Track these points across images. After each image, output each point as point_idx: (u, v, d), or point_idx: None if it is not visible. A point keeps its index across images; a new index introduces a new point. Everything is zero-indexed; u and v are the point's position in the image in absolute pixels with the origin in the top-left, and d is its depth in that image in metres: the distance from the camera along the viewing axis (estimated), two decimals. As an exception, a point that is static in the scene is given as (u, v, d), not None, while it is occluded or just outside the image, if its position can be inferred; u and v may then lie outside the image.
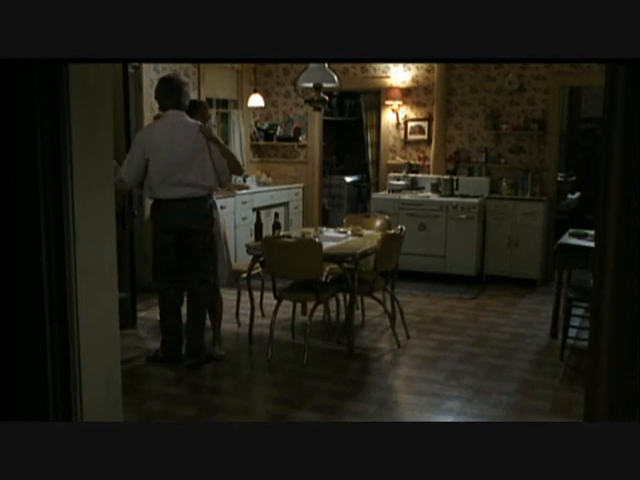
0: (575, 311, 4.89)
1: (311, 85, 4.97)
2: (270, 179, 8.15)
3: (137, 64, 6.14)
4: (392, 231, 5.00)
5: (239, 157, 8.00)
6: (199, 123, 4.30)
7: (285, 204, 7.89)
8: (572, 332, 4.81)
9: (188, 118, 4.29)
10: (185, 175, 4.18)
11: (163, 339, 4.54)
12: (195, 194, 4.23)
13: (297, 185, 8.21)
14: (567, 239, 5.22)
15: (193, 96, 7.00)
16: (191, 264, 4.39)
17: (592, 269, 2.03)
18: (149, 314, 5.67)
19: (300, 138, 8.21)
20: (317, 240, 4.60)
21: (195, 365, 4.41)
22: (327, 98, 5.09)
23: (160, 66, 6.51)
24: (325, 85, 4.98)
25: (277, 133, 8.30)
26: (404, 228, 5.06)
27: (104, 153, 2.46)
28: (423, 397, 3.99)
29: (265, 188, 7.70)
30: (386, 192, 7.53)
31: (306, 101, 5.14)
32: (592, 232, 5.28)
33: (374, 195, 7.59)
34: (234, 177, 7.52)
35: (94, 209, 2.33)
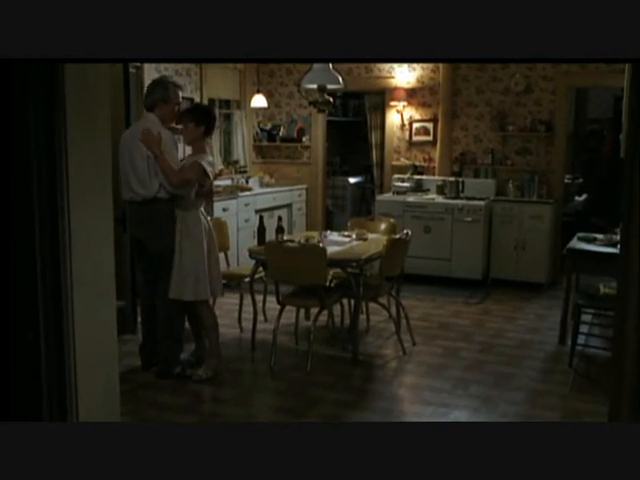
0: (583, 317, 4.79)
1: (315, 87, 4.88)
2: (273, 180, 8.06)
3: (138, 64, 6.04)
4: (398, 235, 4.89)
5: (245, 157, 7.91)
6: (146, 128, 4.09)
7: (288, 206, 7.79)
8: (580, 339, 4.71)
9: (147, 120, 4.20)
10: (127, 178, 4.16)
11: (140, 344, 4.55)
12: (134, 198, 4.16)
13: (300, 186, 8.11)
14: (576, 243, 5.12)
15: (196, 97, 6.96)
16: (156, 274, 4.29)
17: (617, 276, 1.97)
18: (150, 318, 5.58)
19: (303, 139, 8.12)
20: (321, 245, 4.50)
21: (161, 375, 4.27)
22: (331, 100, 5.00)
23: (162, 66, 6.42)
24: (329, 86, 4.89)
25: (280, 134, 8.21)
26: (410, 232, 4.96)
27: (101, 157, 2.37)
28: (429, 407, 3.90)
29: (268, 189, 7.61)
30: (391, 194, 7.43)
31: (310, 103, 5.05)
32: (601, 236, 5.20)
33: (378, 197, 7.49)
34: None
35: (91, 217, 2.24)
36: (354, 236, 5.16)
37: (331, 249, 4.62)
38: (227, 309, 5.66)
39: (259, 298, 5.15)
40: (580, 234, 5.36)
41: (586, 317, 4.99)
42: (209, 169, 4.16)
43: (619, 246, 4.74)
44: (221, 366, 4.35)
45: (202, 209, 4.27)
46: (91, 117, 2.30)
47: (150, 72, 6.27)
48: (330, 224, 8.75)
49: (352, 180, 9.69)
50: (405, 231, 4.98)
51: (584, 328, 4.92)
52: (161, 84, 4.27)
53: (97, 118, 2.35)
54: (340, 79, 4.87)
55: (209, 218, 4.39)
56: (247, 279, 4.98)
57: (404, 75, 7.53)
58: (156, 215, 4.16)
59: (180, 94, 4.34)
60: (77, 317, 2.17)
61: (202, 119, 4.20)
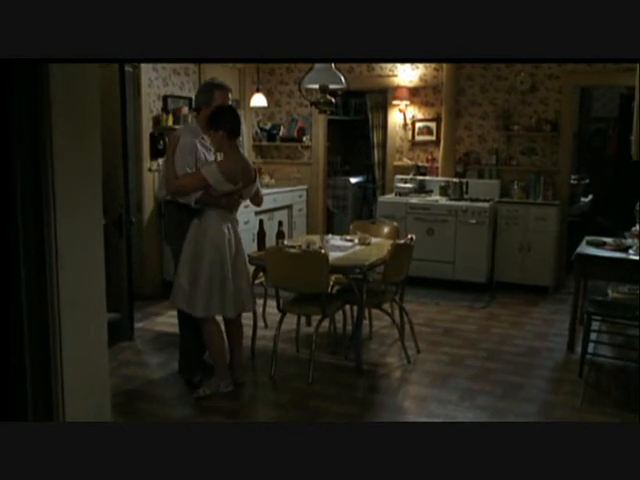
0: (593, 325, 4.65)
1: (317, 87, 4.73)
2: (273, 181, 7.91)
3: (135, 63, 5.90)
4: (402, 241, 4.74)
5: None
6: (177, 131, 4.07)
7: (289, 207, 7.65)
8: (589, 347, 4.57)
9: (185, 123, 4.20)
10: None
11: None
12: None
13: (301, 187, 7.97)
14: (585, 248, 4.98)
15: (194, 96, 6.81)
16: None
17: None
18: (148, 324, 5.44)
19: (304, 138, 7.97)
20: (323, 251, 4.34)
21: (186, 383, 4.24)
22: (333, 100, 4.85)
23: (159, 65, 6.27)
24: (332, 86, 4.74)
25: (280, 133, 8.06)
26: (414, 237, 4.81)
27: (91, 165, 2.22)
28: (436, 419, 3.75)
29: (268, 191, 7.45)
30: (393, 195, 7.29)
31: (312, 103, 4.91)
32: (610, 240, 5.06)
33: (380, 198, 7.35)
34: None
35: (80, 231, 2.08)
36: (356, 240, 5.02)
37: (333, 255, 4.47)
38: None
39: (259, 303, 5.01)
40: (588, 238, 5.22)
41: (594, 323, 4.84)
42: (213, 178, 3.78)
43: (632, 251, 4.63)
44: (223, 387, 4.11)
45: (226, 222, 3.97)
46: (79, 122, 2.15)
47: (148, 71, 6.12)
48: (331, 225, 8.61)
49: (353, 180, 9.55)
50: (409, 236, 4.83)
51: (592, 335, 4.77)
52: (205, 87, 4.18)
53: (86, 123, 2.20)
54: (342, 78, 4.72)
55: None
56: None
57: (407, 74, 7.38)
58: (168, 219, 4.23)
59: (229, 96, 4.08)
60: (65, 338, 2.03)
61: (218, 123, 3.84)
